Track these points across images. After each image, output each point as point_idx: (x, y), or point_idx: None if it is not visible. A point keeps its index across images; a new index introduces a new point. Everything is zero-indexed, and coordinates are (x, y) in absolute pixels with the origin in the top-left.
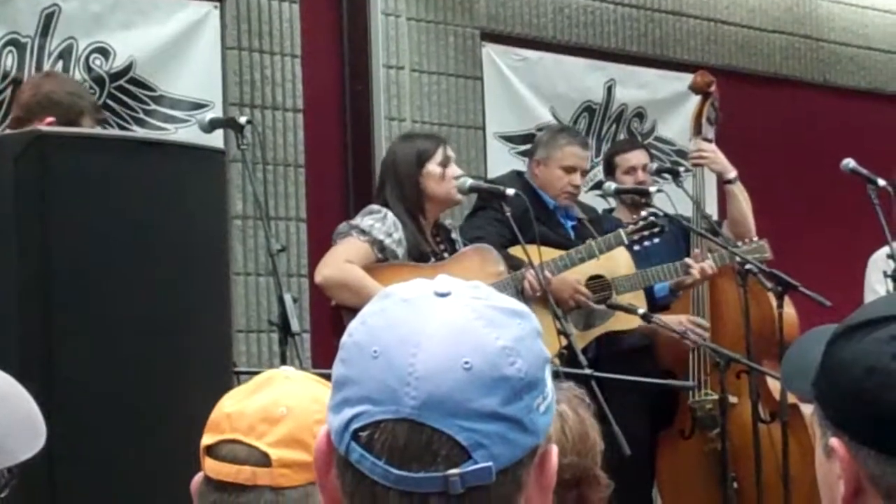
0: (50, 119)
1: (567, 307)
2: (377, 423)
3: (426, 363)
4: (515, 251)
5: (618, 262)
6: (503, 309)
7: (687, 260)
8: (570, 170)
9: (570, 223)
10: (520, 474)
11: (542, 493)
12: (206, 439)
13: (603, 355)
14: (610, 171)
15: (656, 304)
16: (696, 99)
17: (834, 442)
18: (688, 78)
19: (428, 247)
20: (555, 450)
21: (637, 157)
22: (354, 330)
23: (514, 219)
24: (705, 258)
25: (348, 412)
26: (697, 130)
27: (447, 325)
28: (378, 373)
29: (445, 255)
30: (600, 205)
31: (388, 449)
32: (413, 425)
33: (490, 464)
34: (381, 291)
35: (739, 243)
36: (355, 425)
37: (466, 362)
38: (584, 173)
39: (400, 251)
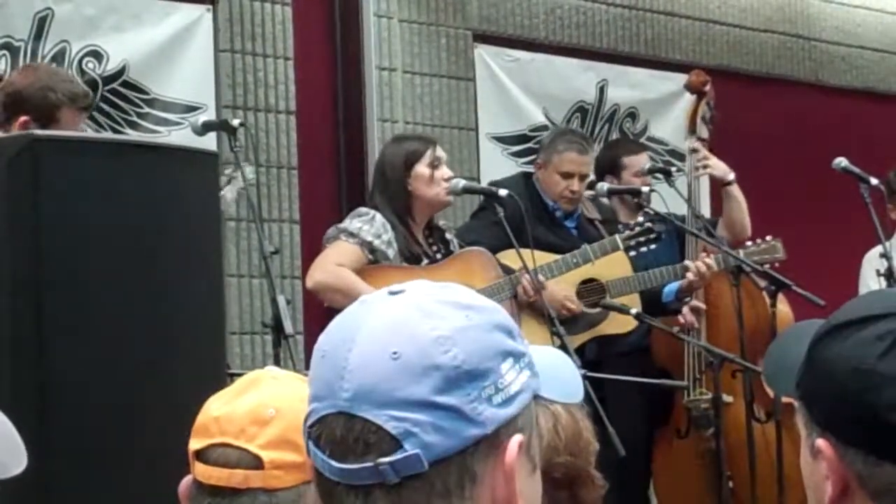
0: (24, 118)
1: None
2: (322, 419)
3: (358, 357)
4: (508, 256)
5: (614, 264)
6: (451, 302)
7: (686, 262)
8: (567, 175)
9: (572, 224)
10: (470, 465)
11: (507, 485)
12: (195, 444)
13: (604, 356)
14: (614, 171)
15: (666, 310)
16: (689, 98)
17: (820, 443)
18: (680, 78)
19: (419, 248)
20: (515, 440)
21: (645, 160)
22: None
23: (510, 220)
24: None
25: (307, 413)
26: (692, 130)
27: (385, 319)
28: (323, 371)
29: (438, 256)
30: None
31: (328, 443)
32: (347, 418)
33: (418, 451)
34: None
35: (749, 243)
36: (307, 423)
37: (395, 352)
38: (584, 178)
39: (391, 252)
